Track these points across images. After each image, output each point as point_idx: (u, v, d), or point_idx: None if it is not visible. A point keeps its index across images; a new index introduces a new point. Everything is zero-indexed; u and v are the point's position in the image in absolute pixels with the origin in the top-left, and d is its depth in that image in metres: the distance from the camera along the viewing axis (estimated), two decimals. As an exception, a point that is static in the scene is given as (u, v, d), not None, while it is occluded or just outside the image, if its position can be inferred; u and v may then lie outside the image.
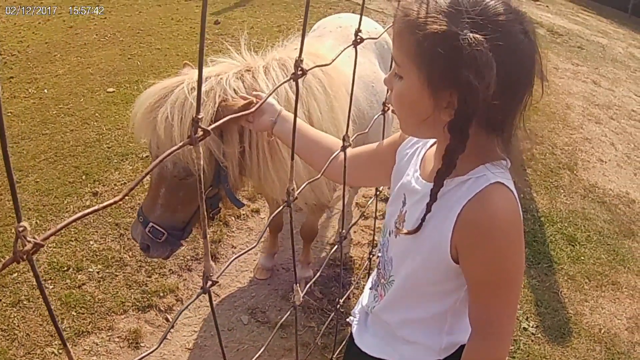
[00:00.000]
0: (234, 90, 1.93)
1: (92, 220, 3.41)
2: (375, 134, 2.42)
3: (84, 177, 3.88)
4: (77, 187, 3.76)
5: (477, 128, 1.18)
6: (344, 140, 1.54)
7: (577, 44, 9.21)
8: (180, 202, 2.04)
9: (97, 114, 4.77)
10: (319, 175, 1.51)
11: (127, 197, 3.61)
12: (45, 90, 5.25)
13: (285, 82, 1.24)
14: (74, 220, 0.70)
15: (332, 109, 2.20)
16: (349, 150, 1.61)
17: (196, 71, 1.96)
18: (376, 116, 2.01)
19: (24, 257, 0.62)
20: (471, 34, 1.08)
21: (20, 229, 0.61)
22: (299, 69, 1.13)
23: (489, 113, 1.16)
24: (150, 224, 2.03)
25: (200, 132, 0.81)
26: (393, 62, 1.24)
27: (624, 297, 3.64)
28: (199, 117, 0.80)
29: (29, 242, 0.62)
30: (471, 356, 1.30)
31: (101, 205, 0.73)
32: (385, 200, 3.87)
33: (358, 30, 1.44)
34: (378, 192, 2.49)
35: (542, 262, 3.75)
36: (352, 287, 3.16)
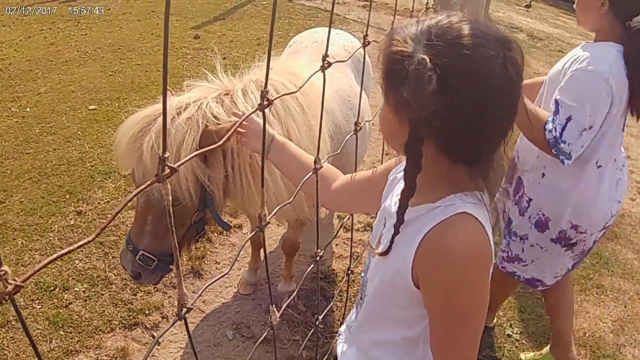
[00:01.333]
0: (214, 115, 1.96)
1: (77, 240, 3.45)
2: (350, 154, 2.51)
3: (67, 196, 3.93)
4: (61, 206, 3.80)
5: (437, 152, 1.18)
6: (315, 162, 1.58)
7: (558, 47, 9.34)
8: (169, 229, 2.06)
9: (79, 132, 4.82)
10: (291, 199, 1.55)
11: (111, 216, 3.67)
12: (28, 109, 5.28)
13: (252, 112, 1.26)
14: (52, 261, 0.76)
15: (311, 128, 2.24)
16: (345, 177, 1.67)
17: (177, 97, 2.02)
18: (348, 136, 2.05)
19: (7, 297, 0.68)
20: (419, 55, 1.09)
21: (2, 272, 0.67)
22: (265, 99, 1.16)
23: (448, 139, 1.16)
24: (140, 252, 2.03)
25: (167, 170, 0.85)
26: None
27: (609, 300, 3.70)
28: (165, 156, 0.84)
29: (10, 284, 0.68)
30: None
31: (75, 245, 0.80)
32: (366, 213, 3.95)
33: (325, 55, 1.46)
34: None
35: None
36: (334, 300, 3.22)
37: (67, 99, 5.49)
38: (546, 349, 3.05)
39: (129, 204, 1.68)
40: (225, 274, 1.33)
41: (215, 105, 2.00)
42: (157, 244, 2.05)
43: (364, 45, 1.82)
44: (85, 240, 0.80)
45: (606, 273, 3.95)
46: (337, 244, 3.80)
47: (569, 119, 2.13)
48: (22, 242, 3.46)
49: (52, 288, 3.12)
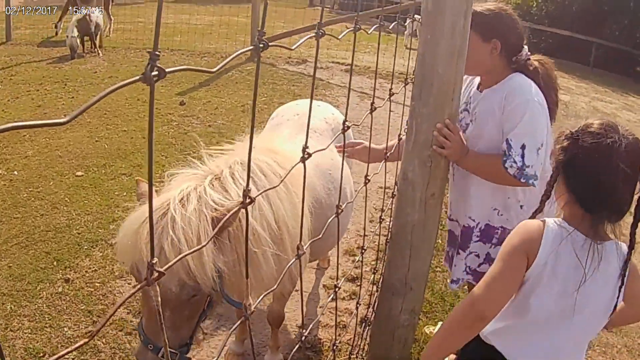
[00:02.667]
0: (214, 202, 2.03)
1: (65, 308, 3.60)
2: (331, 234, 2.67)
3: (55, 263, 4.08)
4: (49, 273, 3.95)
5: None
6: (298, 248, 1.64)
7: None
8: (186, 319, 2.06)
9: (66, 199, 5.00)
10: (275, 287, 1.66)
11: (98, 284, 3.84)
12: (16, 172, 5.46)
13: (235, 211, 1.37)
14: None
15: (294, 206, 2.35)
16: None
17: (171, 193, 2.07)
18: (330, 219, 2.09)
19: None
20: None
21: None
22: (247, 197, 1.21)
23: None
24: (162, 349, 1.99)
25: (155, 274, 0.89)
26: None
27: (597, 355, 3.68)
28: (153, 261, 0.88)
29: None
30: None
31: (73, 347, 0.84)
32: (352, 279, 4.12)
33: (305, 147, 1.50)
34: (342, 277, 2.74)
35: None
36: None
37: (54, 164, 5.69)
38: None
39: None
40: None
41: (214, 193, 2.06)
42: (176, 337, 2.05)
43: (344, 130, 1.91)
44: (82, 342, 0.87)
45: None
46: (322, 313, 3.88)
47: (523, 147, 2.42)
48: (10, 307, 3.59)
49: (41, 354, 3.24)
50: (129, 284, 3.84)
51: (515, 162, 2.43)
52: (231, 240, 2.07)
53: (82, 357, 3.22)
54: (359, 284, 3.56)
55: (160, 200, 2.03)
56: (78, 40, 10.33)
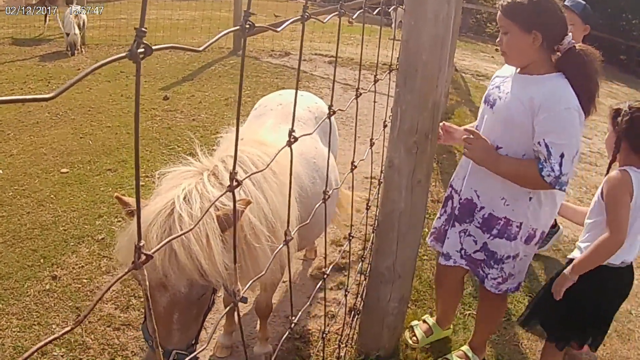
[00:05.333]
0: (216, 197, 2.04)
1: (53, 305, 3.58)
2: (318, 221, 2.67)
3: (42, 260, 4.06)
4: (36, 271, 3.93)
5: None
6: (285, 234, 1.62)
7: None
8: (194, 318, 2.06)
9: (52, 196, 4.97)
10: (264, 272, 1.61)
11: (86, 280, 3.82)
12: (1, 171, 5.41)
13: (222, 195, 1.36)
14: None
15: (285, 197, 2.34)
16: None
17: (173, 192, 2.04)
18: (317, 206, 2.07)
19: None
20: None
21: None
22: (234, 180, 1.20)
23: None
24: (174, 352, 1.98)
25: (143, 257, 0.89)
26: None
27: None
28: (141, 244, 0.88)
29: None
30: None
31: (57, 334, 0.83)
32: (339, 269, 4.13)
33: (292, 130, 1.50)
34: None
35: (500, 316, 3.81)
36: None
37: (39, 162, 5.65)
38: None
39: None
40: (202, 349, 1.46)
41: (214, 189, 2.06)
42: (185, 337, 2.04)
43: (330, 115, 1.89)
44: (66, 330, 0.85)
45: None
46: (311, 304, 3.88)
47: (562, 155, 2.45)
48: (-2, 307, 3.58)
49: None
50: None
51: (553, 170, 2.46)
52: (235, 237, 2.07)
53: (71, 354, 3.21)
54: (346, 273, 3.56)
55: (164, 199, 2.01)
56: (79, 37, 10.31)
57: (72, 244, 4.27)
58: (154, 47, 0.74)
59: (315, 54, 11.60)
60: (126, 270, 0.90)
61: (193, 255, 1.87)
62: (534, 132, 2.50)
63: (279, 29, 1.24)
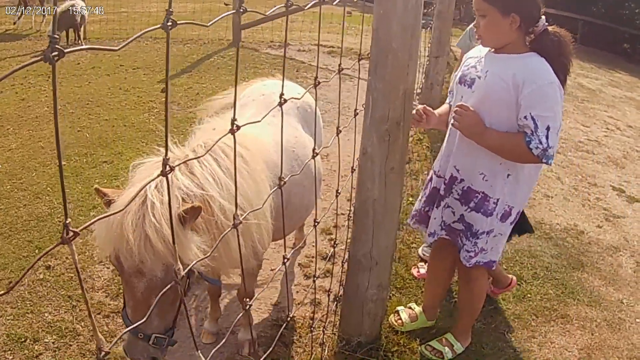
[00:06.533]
0: (185, 186, 2.13)
1: (46, 293, 3.66)
2: (298, 205, 2.71)
3: (37, 251, 4.14)
4: (31, 261, 4.00)
5: None
6: (234, 218, 1.66)
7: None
8: (171, 303, 2.12)
9: (48, 188, 5.05)
10: (209, 254, 1.72)
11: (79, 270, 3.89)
12: (0, 165, 5.50)
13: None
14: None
15: (257, 183, 2.45)
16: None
17: (145, 181, 2.07)
18: (271, 191, 2.20)
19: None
20: None
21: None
22: (167, 166, 1.19)
23: None
24: (153, 336, 2.06)
25: (71, 234, 0.95)
26: None
27: (575, 329, 3.77)
28: (67, 222, 0.95)
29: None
30: None
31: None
32: (327, 258, 4.20)
33: (233, 119, 1.52)
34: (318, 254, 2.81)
35: (486, 304, 3.68)
36: (293, 346, 3.41)
37: (37, 155, 5.74)
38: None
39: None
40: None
41: (184, 177, 2.16)
42: (163, 321, 2.12)
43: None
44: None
45: (572, 302, 4.04)
46: (297, 291, 3.94)
47: (548, 128, 2.51)
48: (-7, 296, 3.66)
49: (23, 339, 3.32)
50: (107, 268, 3.91)
51: (540, 143, 2.52)
52: (204, 224, 2.16)
53: (62, 340, 3.30)
54: (332, 262, 3.63)
55: (137, 188, 2.05)
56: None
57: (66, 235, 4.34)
58: (65, 51, 0.85)
59: (314, 45, 11.63)
60: (54, 245, 0.98)
61: (166, 239, 1.94)
62: (518, 108, 2.56)
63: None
